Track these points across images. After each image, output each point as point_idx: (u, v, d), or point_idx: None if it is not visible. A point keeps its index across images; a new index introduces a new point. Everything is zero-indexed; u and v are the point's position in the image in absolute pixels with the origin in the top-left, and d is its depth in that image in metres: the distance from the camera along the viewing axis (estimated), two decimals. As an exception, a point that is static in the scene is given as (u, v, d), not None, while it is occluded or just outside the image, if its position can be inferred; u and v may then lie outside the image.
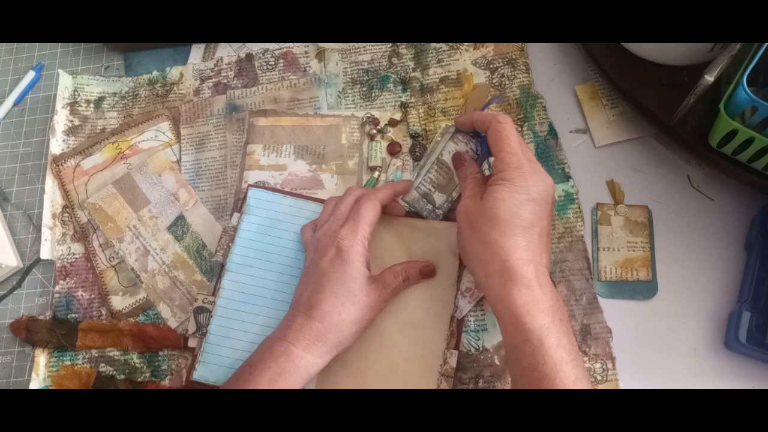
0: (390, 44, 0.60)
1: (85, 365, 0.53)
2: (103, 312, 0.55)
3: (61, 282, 0.56)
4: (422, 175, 0.50)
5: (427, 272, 0.48)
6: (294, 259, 0.51)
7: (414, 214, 0.51)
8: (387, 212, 0.49)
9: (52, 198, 0.59)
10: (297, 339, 0.43)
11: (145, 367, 0.52)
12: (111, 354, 0.53)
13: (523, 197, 0.41)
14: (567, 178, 0.52)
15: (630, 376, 0.47)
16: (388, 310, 0.47)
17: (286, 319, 0.45)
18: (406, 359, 0.47)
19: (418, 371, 0.46)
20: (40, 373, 0.53)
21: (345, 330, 0.44)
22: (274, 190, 0.54)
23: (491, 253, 0.41)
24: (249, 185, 0.54)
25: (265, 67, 0.61)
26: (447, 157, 0.49)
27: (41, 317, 0.55)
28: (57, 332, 0.53)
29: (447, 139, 0.49)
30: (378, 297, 0.45)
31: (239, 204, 0.54)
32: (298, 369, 0.42)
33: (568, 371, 0.37)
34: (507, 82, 0.57)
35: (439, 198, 0.49)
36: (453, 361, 0.46)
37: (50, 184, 0.59)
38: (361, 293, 0.44)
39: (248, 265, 0.51)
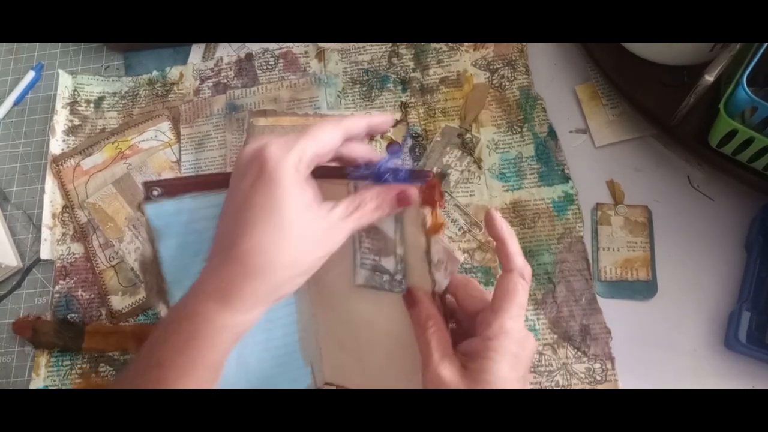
0: (390, 44, 0.60)
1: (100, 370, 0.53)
2: (103, 312, 0.55)
3: (60, 282, 0.56)
4: (358, 250, 0.41)
5: (404, 198, 0.36)
6: None
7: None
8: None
9: (52, 198, 0.59)
10: (213, 290, 0.33)
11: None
12: (110, 354, 0.53)
13: (519, 374, 0.34)
14: (566, 179, 0.52)
15: (629, 377, 0.47)
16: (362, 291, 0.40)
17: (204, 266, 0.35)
18: (402, 347, 0.41)
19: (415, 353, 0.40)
20: (41, 373, 0.53)
21: (278, 274, 0.33)
22: (171, 187, 0.39)
23: None
24: (141, 201, 0.39)
25: (264, 67, 0.61)
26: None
27: (48, 319, 0.55)
28: (65, 335, 0.53)
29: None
30: (326, 230, 0.34)
31: (137, 226, 0.43)
32: (217, 330, 0.33)
33: None
34: (507, 83, 0.57)
35: (388, 263, 0.40)
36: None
37: (50, 184, 0.59)
38: (297, 224, 0.33)
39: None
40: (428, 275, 0.38)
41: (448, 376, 0.34)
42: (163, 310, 0.46)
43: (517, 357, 0.34)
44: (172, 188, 0.39)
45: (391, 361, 0.41)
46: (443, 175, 0.53)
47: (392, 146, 0.41)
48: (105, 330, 0.53)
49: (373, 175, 0.37)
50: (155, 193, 0.39)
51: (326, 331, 0.44)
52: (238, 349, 0.35)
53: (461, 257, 0.39)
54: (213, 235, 0.35)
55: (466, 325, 0.39)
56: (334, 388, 0.45)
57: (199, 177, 0.40)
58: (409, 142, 0.43)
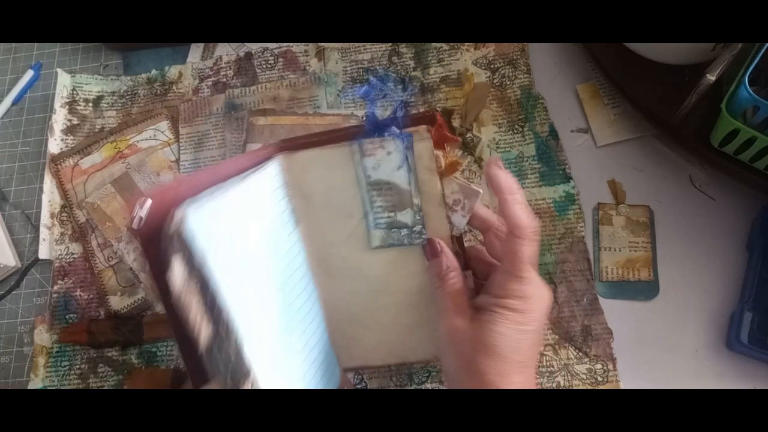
0: (390, 44, 0.60)
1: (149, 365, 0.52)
2: (102, 312, 0.54)
3: (59, 282, 0.56)
4: (370, 212, 0.40)
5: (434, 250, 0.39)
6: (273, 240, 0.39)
7: None
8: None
9: (50, 197, 0.59)
10: None
11: (143, 367, 0.52)
12: (109, 354, 0.53)
13: (527, 330, 0.35)
14: (568, 179, 0.52)
15: (631, 377, 0.46)
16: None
17: None
18: (421, 302, 0.41)
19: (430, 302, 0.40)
20: (39, 373, 0.53)
21: None
22: (197, 184, 0.35)
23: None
24: (174, 211, 0.31)
25: (264, 66, 0.61)
26: (378, 174, 0.39)
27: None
28: (123, 330, 0.53)
29: (359, 161, 0.39)
30: None
31: (167, 247, 0.32)
32: None
33: None
34: (508, 83, 0.56)
35: (405, 216, 0.40)
36: (470, 282, 0.40)
37: (49, 183, 0.59)
38: None
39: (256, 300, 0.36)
40: (446, 220, 0.39)
41: (461, 330, 0.36)
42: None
43: (523, 313, 0.35)
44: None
45: (409, 321, 0.41)
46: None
47: (363, 89, 0.40)
48: (164, 318, 0.53)
49: (373, 130, 0.38)
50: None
51: (336, 308, 0.43)
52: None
53: (480, 189, 0.39)
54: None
55: (480, 272, 0.40)
56: (353, 374, 0.45)
57: (222, 172, 0.37)
58: (380, 72, 0.41)
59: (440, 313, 0.38)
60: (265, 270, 0.38)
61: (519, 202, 0.36)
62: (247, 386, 0.33)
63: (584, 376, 0.47)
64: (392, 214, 0.40)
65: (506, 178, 0.37)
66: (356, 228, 0.41)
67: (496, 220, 0.40)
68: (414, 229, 0.40)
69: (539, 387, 0.47)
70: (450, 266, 0.38)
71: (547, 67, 0.57)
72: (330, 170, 0.40)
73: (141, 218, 0.33)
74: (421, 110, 0.55)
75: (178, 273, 0.31)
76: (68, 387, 0.53)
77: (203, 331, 0.32)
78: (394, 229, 0.40)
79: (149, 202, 0.32)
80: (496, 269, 0.38)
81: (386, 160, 0.39)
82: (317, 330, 0.42)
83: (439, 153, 0.38)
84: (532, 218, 0.36)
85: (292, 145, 0.41)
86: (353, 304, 0.42)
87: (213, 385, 0.34)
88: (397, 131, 0.38)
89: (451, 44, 0.58)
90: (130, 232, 0.33)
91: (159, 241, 0.32)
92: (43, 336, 0.54)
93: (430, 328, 0.40)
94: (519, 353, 0.35)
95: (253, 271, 0.36)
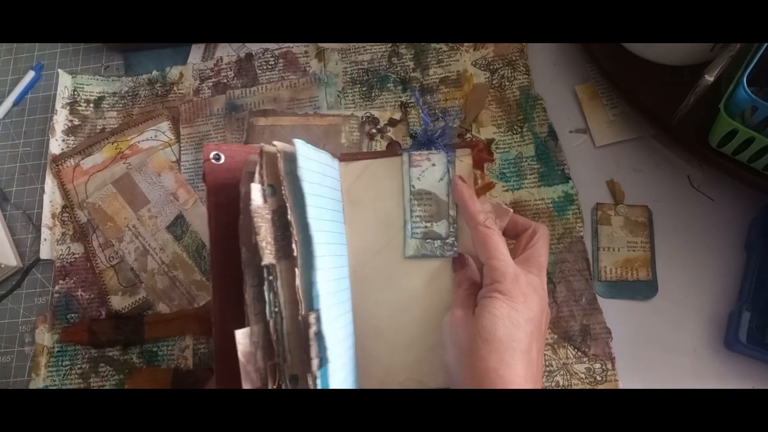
0: (390, 44, 0.60)
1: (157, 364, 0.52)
2: (103, 312, 0.54)
3: (60, 282, 0.56)
4: (409, 221, 0.43)
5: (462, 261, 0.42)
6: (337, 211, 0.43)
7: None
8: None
9: (51, 198, 0.59)
10: None
11: (144, 366, 0.52)
12: (110, 354, 0.53)
13: (521, 317, 0.36)
14: (567, 179, 0.52)
15: (630, 377, 0.47)
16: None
17: None
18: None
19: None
20: (40, 373, 0.53)
21: None
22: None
23: (489, 382, 0.35)
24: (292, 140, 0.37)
25: (264, 67, 0.61)
26: (421, 184, 0.43)
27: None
28: (124, 329, 0.53)
29: (407, 170, 0.43)
30: None
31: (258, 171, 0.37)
32: None
33: None
34: (507, 83, 0.57)
35: (440, 228, 0.43)
36: None
37: (50, 183, 0.59)
38: None
39: (334, 252, 0.40)
40: None
41: (461, 319, 0.38)
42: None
43: (512, 295, 0.37)
44: None
45: (434, 341, 0.42)
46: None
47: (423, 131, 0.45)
48: (165, 318, 0.53)
49: (423, 143, 0.43)
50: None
51: (361, 319, 0.43)
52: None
53: (510, 210, 0.43)
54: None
55: None
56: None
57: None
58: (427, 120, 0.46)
59: (451, 308, 0.39)
60: (331, 244, 0.40)
61: (475, 204, 0.40)
62: (311, 330, 0.34)
63: (583, 376, 0.47)
64: (429, 224, 0.43)
65: (465, 187, 0.41)
66: (394, 237, 0.43)
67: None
68: (447, 240, 0.42)
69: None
70: (470, 278, 0.40)
71: (546, 68, 0.57)
72: (379, 179, 0.44)
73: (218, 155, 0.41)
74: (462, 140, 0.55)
75: (256, 194, 0.36)
76: (69, 387, 0.53)
77: (266, 257, 0.35)
78: (428, 240, 0.43)
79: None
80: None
81: (430, 170, 0.43)
82: (349, 337, 0.41)
83: (477, 172, 0.43)
84: (479, 205, 0.40)
85: (349, 157, 0.45)
86: (379, 317, 0.43)
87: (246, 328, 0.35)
88: (443, 145, 0.43)
89: (451, 45, 0.59)
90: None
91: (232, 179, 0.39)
92: (44, 336, 0.55)
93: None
94: (517, 341, 0.35)
95: (325, 234, 0.38)
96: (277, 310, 0.35)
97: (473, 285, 0.40)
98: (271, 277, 0.35)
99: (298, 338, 0.35)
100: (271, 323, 0.35)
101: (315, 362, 0.34)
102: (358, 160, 0.45)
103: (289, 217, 0.35)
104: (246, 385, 0.34)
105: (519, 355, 0.35)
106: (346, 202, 0.44)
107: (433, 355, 0.41)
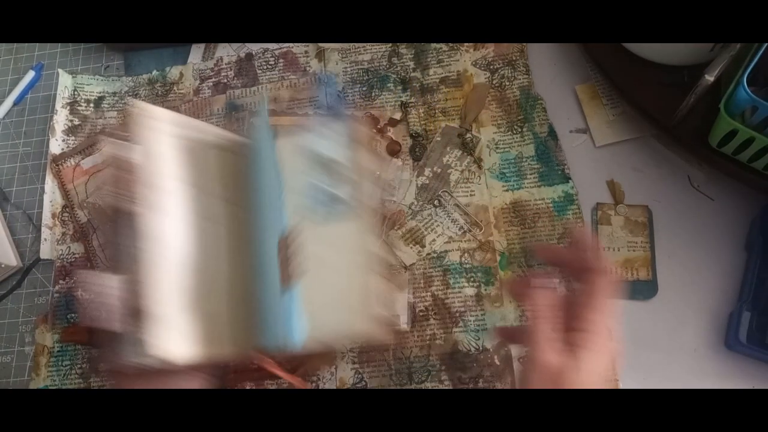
0: (390, 44, 0.60)
1: None
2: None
3: (60, 282, 0.56)
4: (314, 187, 0.45)
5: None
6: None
7: None
8: None
9: (51, 198, 0.59)
10: None
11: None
12: (110, 354, 0.53)
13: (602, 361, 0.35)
14: (567, 179, 0.52)
15: (630, 377, 0.47)
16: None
17: None
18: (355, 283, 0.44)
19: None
20: (41, 373, 0.53)
21: None
22: None
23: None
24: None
25: (264, 67, 0.61)
26: (325, 151, 0.45)
27: None
28: None
29: (310, 138, 0.45)
30: None
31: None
32: None
33: None
34: (507, 83, 0.57)
35: (343, 190, 0.44)
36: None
37: (50, 183, 0.59)
38: None
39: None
40: (377, 194, 0.45)
41: (554, 361, 0.34)
42: None
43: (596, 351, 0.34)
44: None
45: (338, 305, 0.43)
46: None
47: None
48: None
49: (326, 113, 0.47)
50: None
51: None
52: None
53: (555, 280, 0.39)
54: None
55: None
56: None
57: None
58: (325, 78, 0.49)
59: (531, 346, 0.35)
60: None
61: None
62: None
63: (583, 376, 0.47)
64: (333, 189, 0.44)
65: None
66: (300, 204, 0.44)
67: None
68: (349, 202, 0.44)
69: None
70: (550, 307, 0.36)
71: (546, 68, 0.57)
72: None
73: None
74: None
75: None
76: (69, 386, 0.53)
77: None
78: (333, 203, 0.44)
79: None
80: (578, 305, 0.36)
81: (333, 138, 0.44)
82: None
83: (378, 137, 0.46)
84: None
85: None
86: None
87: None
88: (344, 112, 0.45)
89: (451, 45, 0.59)
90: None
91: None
92: (44, 336, 0.55)
93: (365, 305, 0.42)
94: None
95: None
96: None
97: (551, 317, 0.35)
98: None
99: None
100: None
101: None
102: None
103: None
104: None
105: None
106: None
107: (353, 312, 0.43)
